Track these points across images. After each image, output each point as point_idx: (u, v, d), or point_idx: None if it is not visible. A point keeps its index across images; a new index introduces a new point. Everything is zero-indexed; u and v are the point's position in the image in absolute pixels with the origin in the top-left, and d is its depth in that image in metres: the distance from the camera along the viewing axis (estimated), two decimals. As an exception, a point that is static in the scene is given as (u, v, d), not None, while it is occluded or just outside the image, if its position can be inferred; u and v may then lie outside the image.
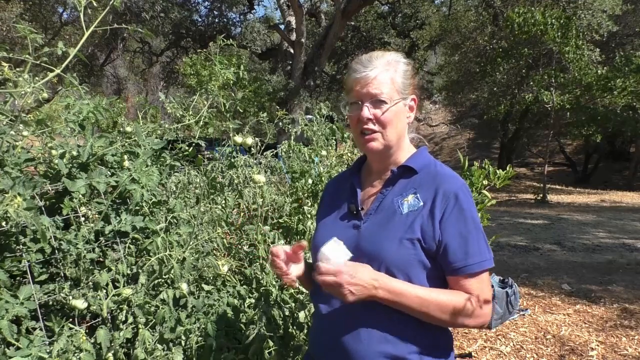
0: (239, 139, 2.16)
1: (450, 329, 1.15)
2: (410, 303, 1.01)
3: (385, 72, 1.11)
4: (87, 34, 1.62)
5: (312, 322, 1.27)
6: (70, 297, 1.51)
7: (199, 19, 14.84)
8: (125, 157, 1.85)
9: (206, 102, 2.17)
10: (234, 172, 2.16)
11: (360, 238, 1.11)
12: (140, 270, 1.62)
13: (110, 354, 1.48)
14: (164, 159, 2.06)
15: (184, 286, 1.63)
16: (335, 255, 1.01)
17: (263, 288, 1.90)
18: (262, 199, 2.17)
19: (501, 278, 3.97)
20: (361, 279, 0.99)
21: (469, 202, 1.07)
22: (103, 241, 1.67)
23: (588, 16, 12.79)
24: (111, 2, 1.70)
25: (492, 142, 25.44)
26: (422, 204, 1.07)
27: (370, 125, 1.11)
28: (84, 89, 1.86)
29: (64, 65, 1.58)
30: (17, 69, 1.61)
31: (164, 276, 1.65)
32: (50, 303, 1.61)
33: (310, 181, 2.41)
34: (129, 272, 1.65)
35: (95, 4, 1.66)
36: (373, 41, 16.58)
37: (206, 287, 1.82)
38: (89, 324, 1.65)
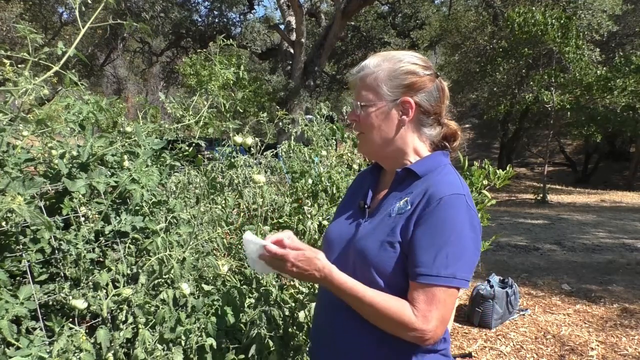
0: (239, 139, 2.16)
1: (448, 330, 1.14)
2: (348, 300, 1.01)
3: (371, 74, 1.10)
4: (83, 31, 1.62)
5: (312, 318, 1.28)
6: (70, 297, 1.51)
7: (199, 19, 14.86)
8: (125, 157, 1.85)
9: (206, 102, 2.17)
10: (234, 172, 2.16)
11: (356, 235, 1.11)
12: (140, 270, 1.62)
13: (110, 354, 1.47)
14: (164, 159, 2.06)
15: (185, 286, 1.63)
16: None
17: (263, 288, 1.90)
18: (262, 199, 2.16)
19: (501, 278, 3.98)
20: (307, 264, 1.01)
21: (455, 212, 0.99)
22: (103, 241, 1.67)
23: (588, 16, 12.80)
24: (105, 0, 1.70)
25: (492, 142, 25.45)
26: (409, 207, 1.04)
27: (357, 127, 1.14)
28: (84, 85, 1.86)
29: (61, 62, 1.58)
30: (18, 66, 1.61)
31: (164, 276, 1.65)
32: (50, 303, 1.61)
33: (310, 181, 2.41)
34: (129, 272, 1.65)
35: (90, 1, 1.66)
36: (373, 41, 16.60)
37: (206, 287, 1.82)
38: (89, 324, 1.64)
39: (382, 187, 1.19)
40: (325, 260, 1.02)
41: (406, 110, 1.09)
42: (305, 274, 1.01)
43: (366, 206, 1.15)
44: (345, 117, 1.19)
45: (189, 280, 1.69)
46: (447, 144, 1.17)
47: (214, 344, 1.61)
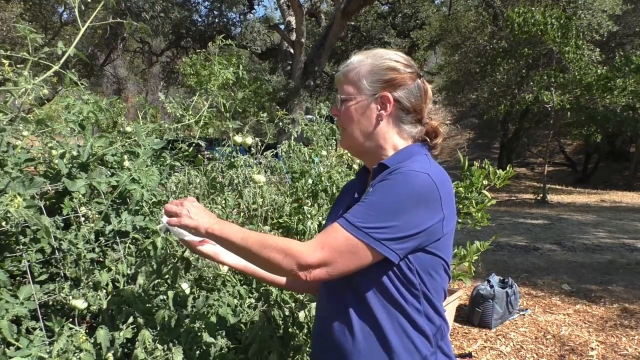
0: (238, 138, 2.16)
1: (446, 333, 1.10)
2: (234, 238, 1.00)
3: (353, 70, 1.12)
4: (82, 30, 1.62)
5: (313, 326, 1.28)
6: (70, 297, 1.51)
7: (199, 19, 14.87)
8: (125, 157, 1.85)
9: (206, 102, 2.17)
10: (234, 172, 2.16)
11: None
12: (139, 270, 1.61)
13: (110, 354, 1.47)
14: (164, 159, 2.06)
15: (185, 286, 1.63)
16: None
17: (263, 288, 1.90)
18: (262, 199, 2.16)
19: (501, 278, 3.98)
20: (199, 213, 1.05)
21: (406, 180, 0.97)
22: (103, 241, 1.67)
23: (588, 16, 12.80)
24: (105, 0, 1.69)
25: (492, 142, 25.43)
26: (370, 189, 1.03)
27: (339, 122, 1.16)
28: (84, 85, 1.86)
29: (61, 62, 1.58)
30: (18, 66, 1.61)
31: (164, 277, 1.65)
32: (50, 303, 1.61)
33: (310, 181, 2.41)
34: (129, 272, 1.65)
35: (89, 1, 1.66)
36: (373, 41, 16.59)
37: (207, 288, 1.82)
38: (89, 324, 1.64)
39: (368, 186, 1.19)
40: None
41: (384, 105, 1.10)
42: (197, 217, 1.04)
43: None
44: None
45: (189, 280, 1.69)
46: (427, 138, 1.16)
47: (214, 343, 1.61)
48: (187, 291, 1.63)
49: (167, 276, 1.64)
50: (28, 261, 1.52)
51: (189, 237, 1.15)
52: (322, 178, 2.39)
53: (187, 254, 1.68)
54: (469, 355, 3.26)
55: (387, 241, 0.94)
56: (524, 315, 3.96)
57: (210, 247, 1.22)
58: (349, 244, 0.95)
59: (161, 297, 1.61)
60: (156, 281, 1.66)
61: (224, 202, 2.12)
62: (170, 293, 1.60)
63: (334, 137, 2.73)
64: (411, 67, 1.12)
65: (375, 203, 0.97)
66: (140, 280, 1.59)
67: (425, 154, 1.11)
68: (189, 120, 2.12)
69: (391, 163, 1.06)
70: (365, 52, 1.15)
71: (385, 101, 1.09)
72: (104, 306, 1.51)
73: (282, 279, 1.33)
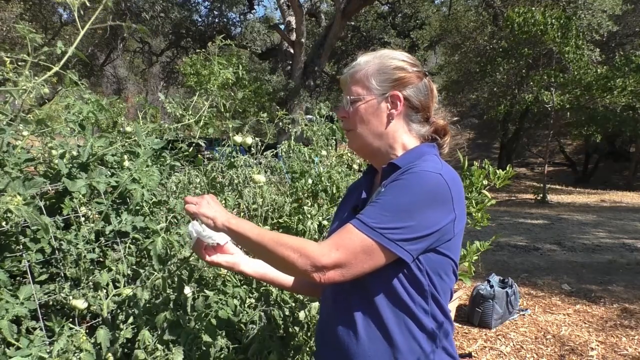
0: (238, 138, 2.16)
1: (450, 333, 1.10)
2: (250, 234, 1.00)
3: (360, 70, 1.11)
4: (82, 32, 1.62)
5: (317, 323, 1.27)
6: (70, 297, 1.51)
7: (199, 19, 14.88)
8: (125, 157, 1.85)
9: (206, 102, 2.17)
10: (234, 172, 2.16)
11: None
12: (142, 286, 1.61)
13: (110, 354, 1.47)
14: (164, 159, 2.06)
15: (187, 290, 1.62)
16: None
17: (263, 288, 1.90)
18: (262, 199, 2.16)
19: (501, 278, 3.98)
20: (217, 207, 1.05)
21: (419, 180, 0.96)
22: (103, 241, 1.66)
23: (588, 16, 12.80)
24: (104, 2, 1.69)
25: (492, 142, 25.43)
26: (383, 189, 1.03)
27: (346, 124, 1.15)
28: (84, 85, 1.86)
29: (62, 63, 1.58)
30: (18, 65, 1.61)
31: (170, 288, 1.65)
32: (50, 303, 1.61)
33: (310, 181, 2.41)
34: (129, 272, 1.65)
35: (88, 5, 1.66)
36: (373, 41, 16.60)
37: (208, 293, 1.82)
38: (89, 324, 1.64)
39: (375, 189, 1.17)
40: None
41: (395, 103, 1.10)
42: (215, 209, 1.05)
43: (359, 208, 1.14)
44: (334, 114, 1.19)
45: (191, 285, 1.69)
46: (437, 137, 1.16)
47: (214, 344, 1.61)
48: (190, 295, 1.63)
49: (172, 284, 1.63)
50: (28, 261, 1.52)
51: (212, 234, 1.12)
52: (322, 178, 2.39)
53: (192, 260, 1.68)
54: (469, 355, 3.26)
55: (401, 242, 0.94)
56: (524, 315, 3.96)
57: (228, 258, 1.21)
58: (364, 245, 0.94)
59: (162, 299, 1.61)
60: (157, 281, 1.66)
61: (224, 202, 2.12)
62: (172, 297, 1.60)
63: (334, 137, 2.73)
64: (417, 66, 1.13)
65: (389, 203, 0.96)
66: (146, 295, 1.58)
67: (435, 154, 1.11)
68: (189, 120, 2.11)
69: (402, 163, 1.06)
70: (371, 53, 1.14)
71: (396, 100, 1.09)
72: (104, 308, 1.51)
73: (294, 281, 1.33)
